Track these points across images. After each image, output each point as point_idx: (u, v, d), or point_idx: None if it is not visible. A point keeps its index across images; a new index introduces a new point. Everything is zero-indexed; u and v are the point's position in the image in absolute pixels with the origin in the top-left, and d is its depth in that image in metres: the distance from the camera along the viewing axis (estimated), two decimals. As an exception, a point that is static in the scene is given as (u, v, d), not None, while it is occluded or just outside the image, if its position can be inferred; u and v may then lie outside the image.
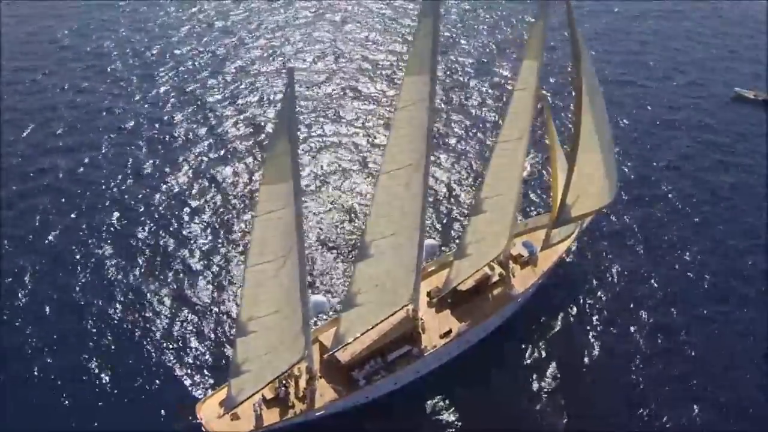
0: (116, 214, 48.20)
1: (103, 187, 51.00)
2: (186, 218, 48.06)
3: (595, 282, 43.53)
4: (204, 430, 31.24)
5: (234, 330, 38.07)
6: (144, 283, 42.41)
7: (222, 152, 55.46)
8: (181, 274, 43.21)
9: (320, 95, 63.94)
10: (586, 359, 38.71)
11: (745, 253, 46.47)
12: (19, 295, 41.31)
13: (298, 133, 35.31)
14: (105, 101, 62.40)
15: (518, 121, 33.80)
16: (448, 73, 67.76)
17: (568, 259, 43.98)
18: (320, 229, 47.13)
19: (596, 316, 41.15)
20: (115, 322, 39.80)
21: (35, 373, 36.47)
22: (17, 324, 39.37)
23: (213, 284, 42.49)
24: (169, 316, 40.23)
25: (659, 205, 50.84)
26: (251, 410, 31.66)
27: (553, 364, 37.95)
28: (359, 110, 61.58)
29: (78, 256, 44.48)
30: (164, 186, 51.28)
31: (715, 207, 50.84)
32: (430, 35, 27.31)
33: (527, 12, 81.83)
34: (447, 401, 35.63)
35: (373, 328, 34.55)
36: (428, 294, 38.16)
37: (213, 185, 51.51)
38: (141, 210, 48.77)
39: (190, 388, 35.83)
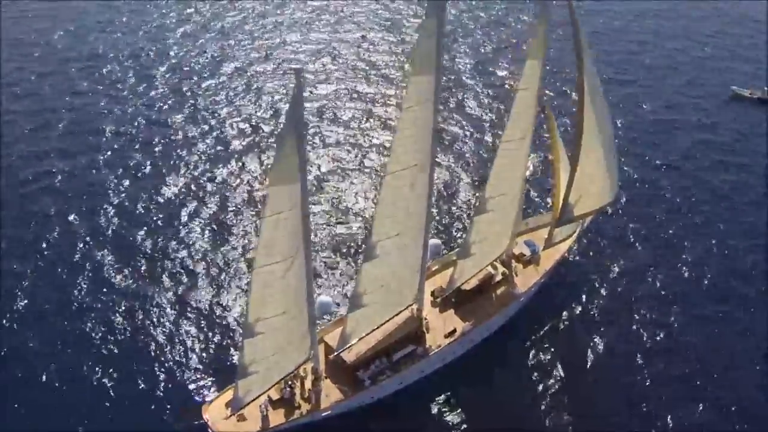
0: (116, 216, 48.02)
1: (103, 188, 50.84)
2: (187, 220, 47.95)
3: (595, 281, 43.69)
4: (210, 431, 31.25)
5: (236, 331, 38.58)
6: (144, 285, 42.27)
7: (222, 153, 55.38)
8: (181, 276, 43.11)
9: (320, 95, 63.93)
10: (587, 358, 38.86)
11: (745, 253, 46.67)
12: (19, 297, 41.10)
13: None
14: (103, 102, 62.22)
15: (521, 121, 33.94)
16: (449, 73, 67.76)
17: (569, 258, 44.15)
18: (323, 229, 47.12)
19: (597, 315, 41.32)
20: (116, 323, 39.66)
21: (36, 374, 36.28)
22: (17, 326, 39.18)
23: (213, 285, 42.40)
24: (169, 317, 40.10)
25: (659, 204, 51.07)
26: (257, 411, 31.65)
27: (556, 362, 38.11)
28: (359, 110, 61.63)
29: (78, 258, 44.33)
30: (164, 187, 51.13)
31: (715, 207, 51.08)
32: (435, 35, 27.38)
33: (527, 12, 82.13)
34: (451, 401, 35.71)
35: (378, 328, 34.62)
36: (432, 294, 38.24)
37: (213, 186, 51.42)
38: (141, 211, 48.64)
39: (191, 390, 35.74)
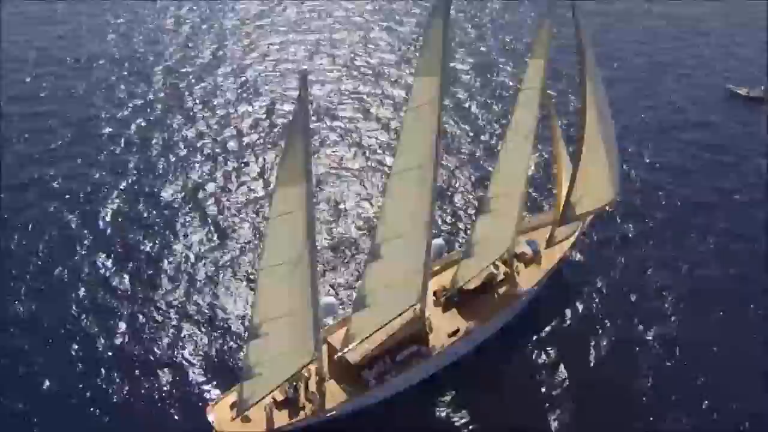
0: (116, 218, 47.87)
1: (102, 190, 50.68)
2: (187, 221, 47.87)
3: (595, 280, 43.74)
4: (215, 432, 31.24)
5: (239, 333, 38.55)
6: (145, 288, 42.11)
7: (221, 154, 55.30)
8: (182, 277, 42.99)
9: (320, 95, 63.91)
10: (589, 357, 38.88)
11: (745, 252, 46.78)
12: (19, 299, 40.90)
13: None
14: (101, 104, 62.10)
15: (524, 120, 33.98)
16: (451, 73, 67.82)
17: (570, 257, 44.26)
18: (327, 230, 47.11)
19: (598, 314, 41.35)
20: (116, 325, 39.48)
21: (35, 379, 36.06)
22: (15, 330, 38.98)
23: (214, 287, 42.27)
24: (171, 320, 39.98)
25: (658, 203, 51.17)
26: (262, 412, 31.60)
27: (558, 361, 38.13)
28: (360, 110, 61.63)
29: (77, 259, 44.19)
30: (163, 189, 51.04)
31: (713, 206, 51.20)
32: (440, 36, 27.38)
33: (530, 12, 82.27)
34: (455, 400, 35.71)
35: (381, 328, 34.63)
36: (434, 293, 38.28)
37: (213, 187, 51.34)
38: (141, 213, 48.51)
39: (195, 392, 35.66)
